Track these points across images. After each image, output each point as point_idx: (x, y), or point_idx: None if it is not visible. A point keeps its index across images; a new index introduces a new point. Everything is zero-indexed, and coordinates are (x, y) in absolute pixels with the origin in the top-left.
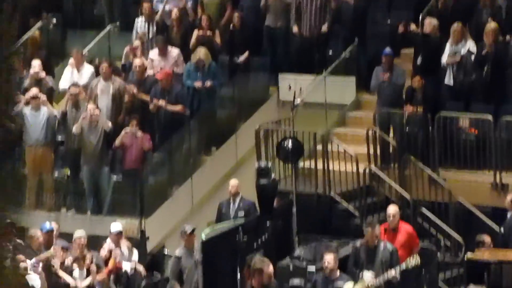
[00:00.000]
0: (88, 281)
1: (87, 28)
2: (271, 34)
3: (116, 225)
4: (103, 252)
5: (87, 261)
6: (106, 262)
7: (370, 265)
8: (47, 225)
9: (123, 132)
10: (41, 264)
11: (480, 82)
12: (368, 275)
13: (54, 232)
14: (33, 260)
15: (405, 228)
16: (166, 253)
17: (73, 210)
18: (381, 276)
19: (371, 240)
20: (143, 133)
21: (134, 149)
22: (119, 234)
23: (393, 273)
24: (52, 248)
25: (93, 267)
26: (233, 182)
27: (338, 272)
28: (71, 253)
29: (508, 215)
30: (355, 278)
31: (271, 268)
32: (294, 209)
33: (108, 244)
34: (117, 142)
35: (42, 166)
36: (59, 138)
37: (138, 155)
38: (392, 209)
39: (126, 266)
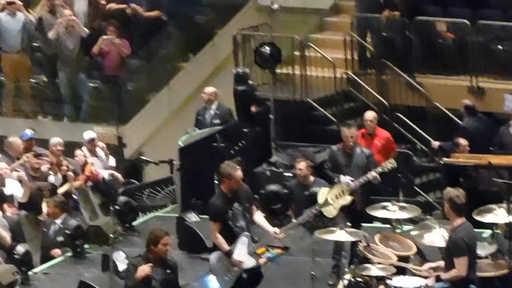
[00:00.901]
0: (65, 187)
1: None
2: None
3: (90, 133)
4: (79, 159)
5: (64, 168)
6: (82, 169)
7: (346, 169)
8: (28, 132)
9: (100, 39)
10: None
11: None
12: (345, 178)
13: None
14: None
15: (382, 133)
16: (143, 159)
17: (50, 117)
18: (358, 179)
19: (346, 140)
20: (121, 39)
21: (112, 55)
22: (93, 141)
23: (373, 174)
24: (24, 156)
25: (70, 174)
26: (208, 89)
27: (311, 178)
28: (48, 159)
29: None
30: (332, 182)
31: (239, 173)
32: (272, 116)
33: (84, 151)
34: (95, 49)
35: (19, 72)
36: (36, 44)
37: (117, 61)
38: (370, 114)
39: (104, 173)
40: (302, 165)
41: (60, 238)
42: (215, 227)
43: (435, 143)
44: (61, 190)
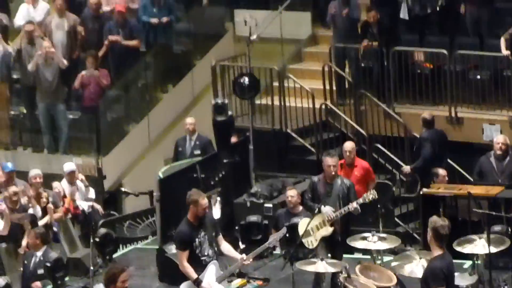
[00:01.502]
0: (45, 220)
1: None
2: None
3: (69, 165)
4: (58, 190)
5: (43, 200)
6: (62, 201)
7: (327, 200)
8: (9, 164)
9: (80, 75)
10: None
11: (435, 15)
12: (327, 209)
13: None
14: None
15: (361, 164)
16: (123, 191)
17: (29, 148)
18: (339, 210)
19: (328, 169)
20: (100, 70)
21: (92, 86)
22: (73, 173)
23: (354, 205)
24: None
25: (50, 206)
26: (190, 120)
27: (300, 207)
28: (27, 192)
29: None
30: (313, 212)
31: (205, 200)
32: (251, 146)
33: (63, 183)
34: (76, 84)
35: None
36: (15, 75)
37: (96, 92)
38: (348, 145)
39: (83, 205)
40: (293, 193)
41: (41, 271)
42: (183, 255)
43: (406, 168)
44: (41, 222)
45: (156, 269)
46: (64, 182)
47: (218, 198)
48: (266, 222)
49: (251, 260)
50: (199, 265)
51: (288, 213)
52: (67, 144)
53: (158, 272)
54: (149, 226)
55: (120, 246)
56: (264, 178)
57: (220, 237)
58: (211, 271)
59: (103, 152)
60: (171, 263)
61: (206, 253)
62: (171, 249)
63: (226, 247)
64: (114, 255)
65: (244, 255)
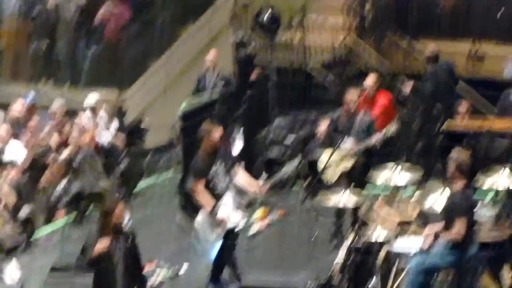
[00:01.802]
0: (67, 151)
1: None
2: None
3: (92, 97)
4: (81, 123)
5: (65, 132)
6: (85, 134)
7: (348, 134)
8: (30, 96)
9: (101, 10)
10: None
11: None
12: (348, 143)
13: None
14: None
15: (383, 98)
16: (144, 124)
17: (50, 83)
18: (360, 143)
19: (349, 103)
20: (120, 5)
21: (112, 22)
22: (96, 106)
23: (376, 138)
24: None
25: (72, 138)
26: (211, 54)
27: None
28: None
29: None
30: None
31: (219, 132)
32: (272, 82)
33: (86, 115)
34: (97, 19)
35: (18, 39)
36: (35, 11)
37: (117, 27)
38: (370, 79)
39: (106, 137)
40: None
41: (64, 201)
42: (199, 185)
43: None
44: (64, 153)
45: (178, 201)
46: (87, 114)
47: (239, 134)
48: (286, 156)
49: (267, 188)
50: (216, 195)
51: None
52: (88, 79)
53: (180, 204)
54: (170, 159)
55: (142, 178)
56: (284, 114)
57: (237, 167)
58: (228, 200)
59: (124, 87)
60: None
61: (222, 183)
62: (192, 181)
63: (243, 177)
64: (137, 187)
65: (261, 182)
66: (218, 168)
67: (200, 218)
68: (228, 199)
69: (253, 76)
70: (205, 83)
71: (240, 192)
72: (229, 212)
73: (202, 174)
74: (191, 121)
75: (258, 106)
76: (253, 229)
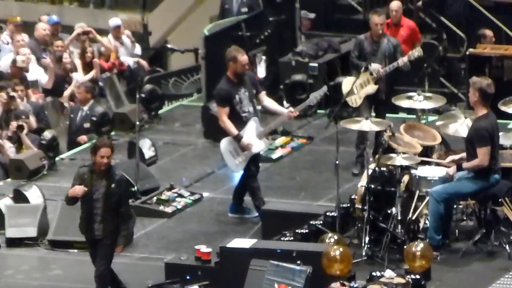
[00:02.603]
0: (91, 74)
1: None
2: None
3: (115, 20)
4: (104, 46)
5: (88, 54)
6: (108, 56)
7: (373, 58)
8: (54, 17)
9: None
10: (49, 56)
11: None
12: (374, 65)
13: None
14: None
15: (408, 23)
16: (168, 47)
17: (75, 3)
18: (387, 66)
19: (375, 27)
20: None
21: None
22: (118, 28)
23: (402, 61)
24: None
25: (96, 60)
26: None
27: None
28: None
29: None
30: (359, 70)
31: (245, 57)
32: (297, 4)
33: (109, 38)
34: None
35: None
36: None
37: None
38: (395, 4)
39: (129, 61)
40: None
41: (87, 125)
42: (223, 111)
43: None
44: (87, 76)
45: (201, 126)
46: (110, 37)
47: (263, 57)
48: (311, 81)
49: (297, 113)
50: (240, 122)
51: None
52: (112, 1)
53: (203, 129)
54: (194, 83)
55: (165, 102)
56: (310, 37)
57: (262, 93)
58: (252, 127)
59: (148, 8)
60: (216, 120)
61: (246, 110)
62: (215, 106)
63: (269, 102)
64: (159, 111)
65: (290, 108)
66: (242, 94)
67: (224, 143)
68: (251, 126)
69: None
70: (231, 5)
71: (263, 120)
72: (253, 139)
73: (226, 100)
74: (216, 44)
75: (282, 29)
76: (275, 155)
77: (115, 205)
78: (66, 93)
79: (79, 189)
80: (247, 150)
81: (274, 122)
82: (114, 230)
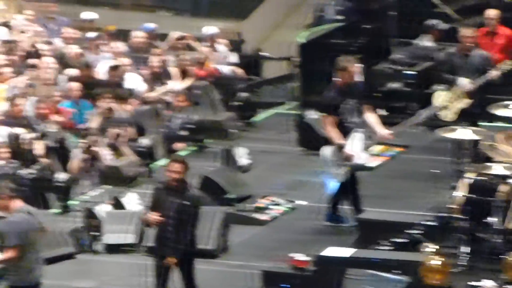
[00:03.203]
0: (187, 82)
1: None
2: None
3: (211, 28)
4: (199, 55)
5: (184, 62)
6: (203, 64)
7: (463, 71)
8: (150, 25)
9: None
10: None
11: None
12: (463, 80)
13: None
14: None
15: (504, 32)
16: (263, 55)
17: (171, 11)
18: (476, 80)
19: (465, 40)
20: None
21: None
22: (214, 36)
23: (493, 73)
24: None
25: (190, 69)
26: None
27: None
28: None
29: None
30: (449, 85)
31: (355, 67)
32: (393, 13)
33: (205, 47)
34: None
35: None
36: None
37: None
38: (491, 12)
39: (224, 69)
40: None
41: (183, 132)
42: (328, 120)
43: None
44: (183, 84)
45: (295, 134)
46: (205, 46)
47: (359, 64)
48: (406, 89)
49: (393, 137)
50: (343, 131)
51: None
52: (208, 8)
53: (297, 137)
54: (289, 91)
55: (260, 110)
56: (405, 45)
57: (367, 106)
58: (355, 138)
59: (243, 16)
60: (310, 128)
61: (351, 120)
62: (310, 114)
63: (370, 117)
64: (254, 119)
65: (387, 131)
66: (349, 104)
67: (326, 151)
68: (355, 137)
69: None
70: (326, 13)
71: (366, 131)
72: (355, 150)
73: (332, 108)
74: (310, 52)
75: (378, 37)
76: (372, 164)
77: (188, 223)
78: (152, 94)
79: (153, 219)
80: (348, 160)
81: (375, 138)
82: (187, 249)
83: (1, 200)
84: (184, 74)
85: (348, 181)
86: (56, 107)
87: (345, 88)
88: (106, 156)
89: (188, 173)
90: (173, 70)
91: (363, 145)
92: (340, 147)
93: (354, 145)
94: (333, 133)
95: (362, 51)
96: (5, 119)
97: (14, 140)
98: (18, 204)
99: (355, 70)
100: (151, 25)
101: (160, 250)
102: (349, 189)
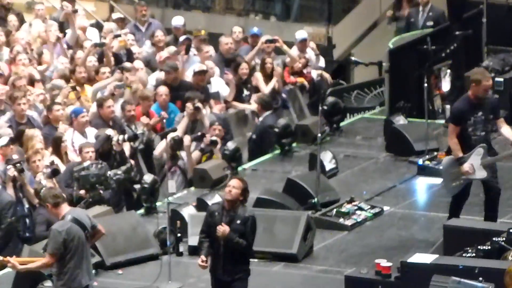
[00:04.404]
0: (271, 84)
1: None
2: None
3: (301, 33)
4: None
5: (268, 65)
6: (292, 67)
7: None
8: (255, 29)
9: None
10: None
11: None
12: None
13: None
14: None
15: None
16: (352, 60)
17: (260, 15)
18: None
19: None
20: None
21: None
22: (304, 41)
23: None
24: None
25: (277, 70)
26: None
27: None
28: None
29: None
30: None
31: (489, 82)
32: (484, 19)
33: (294, 51)
34: None
35: None
36: None
37: None
38: None
39: (313, 73)
40: None
41: (267, 136)
42: (454, 130)
43: None
44: (268, 87)
45: (383, 139)
46: (295, 49)
47: (448, 71)
48: (496, 96)
49: None
50: (468, 144)
51: None
52: (298, 12)
53: (385, 143)
54: (377, 96)
55: (347, 115)
56: (496, 52)
57: (501, 120)
58: (478, 153)
59: (333, 21)
60: (398, 134)
61: (478, 133)
62: (399, 120)
63: (506, 130)
64: (341, 124)
65: None
66: (478, 117)
67: (446, 162)
68: (478, 152)
69: (465, 13)
70: (416, 19)
71: (490, 148)
72: (476, 165)
73: (460, 119)
74: (400, 57)
75: (468, 44)
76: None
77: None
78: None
79: (202, 266)
80: (465, 175)
81: (503, 154)
82: (241, 274)
83: (47, 209)
84: (269, 77)
85: (462, 195)
86: (146, 109)
87: (477, 101)
88: (191, 158)
89: (247, 192)
90: (258, 75)
91: (485, 161)
92: (460, 161)
93: (475, 160)
94: (455, 145)
95: (452, 57)
96: (94, 120)
97: (104, 141)
98: (64, 209)
99: (489, 83)
100: (255, 29)
101: (215, 273)
102: (460, 201)
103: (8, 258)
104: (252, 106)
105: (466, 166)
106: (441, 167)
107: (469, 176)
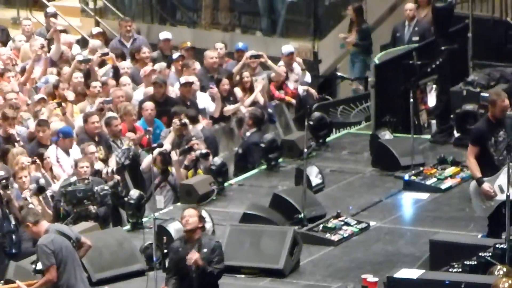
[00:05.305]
0: (251, 98)
1: None
2: None
3: (288, 47)
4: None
5: (245, 79)
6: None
7: None
8: (239, 44)
9: None
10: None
11: None
12: None
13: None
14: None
15: None
16: (338, 75)
17: (247, 30)
18: None
19: None
20: None
21: None
22: (291, 55)
23: None
24: None
25: (261, 84)
26: (409, 5)
27: None
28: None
29: None
30: None
31: (505, 102)
32: (470, 34)
33: (280, 66)
34: None
35: None
36: None
37: None
38: None
39: (299, 88)
40: None
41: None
42: (472, 150)
43: None
44: (247, 101)
45: (369, 154)
46: (281, 65)
47: (434, 86)
48: (482, 111)
49: None
50: (490, 164)
51: None
52: (284, 27)
53: (371, 158)
54: (363, 111)
55: (333, 130)
56: (482, 67)
57: None
58: (503, 175)
59: (319, 36)
60: (384, 149)
61: (500, 154)
62: (384, 135)
63: None
64: (327, 139)
65: None
66: (500, 137)
67: (474, 184)
68: (505, 173)
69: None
70: (402, 34)
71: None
72: (496, 187)
73: (478, 139)
74: (386, 72)
75: (454, 59)
76: (444, 185)
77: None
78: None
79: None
80: (486, 196)
81: None
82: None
83: (28, 229)
84: (249, 91)
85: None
86: (132, 124)
87: (496, 121)
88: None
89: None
90: (236, 89)
91: (503, 185)
92: (479, 182)
93: (502, 182)
94: (473, 165)
95: (438, 72)
96: (79, 135)
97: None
98: (44, 225)
99: (505, 103)
100: (240, 44)
101: None
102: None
103: (18, 282)
104: (243, 109)
105: (485, 187)
106: (470, 189)
107: (489, 197)
